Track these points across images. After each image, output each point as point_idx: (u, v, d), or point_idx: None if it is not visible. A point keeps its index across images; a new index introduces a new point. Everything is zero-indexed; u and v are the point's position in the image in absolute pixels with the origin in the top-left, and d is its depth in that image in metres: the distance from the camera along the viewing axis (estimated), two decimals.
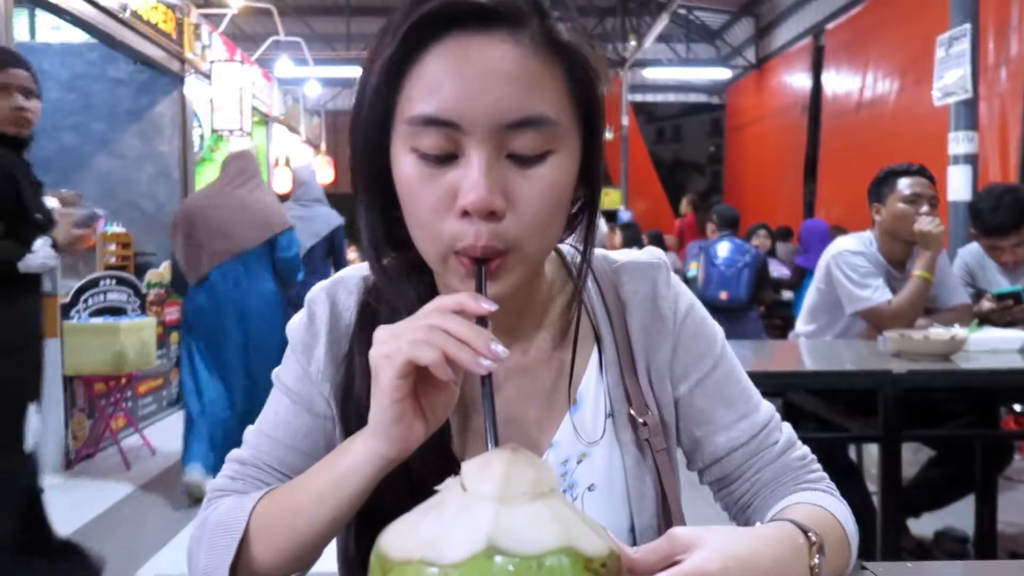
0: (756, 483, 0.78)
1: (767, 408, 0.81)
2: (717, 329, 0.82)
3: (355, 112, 0.66)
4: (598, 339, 0.78)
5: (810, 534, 0.63)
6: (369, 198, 0.69)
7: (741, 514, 0.81)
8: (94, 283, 4.45)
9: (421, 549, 0.45)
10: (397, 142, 0.64)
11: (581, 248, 0.73)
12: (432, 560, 0.44)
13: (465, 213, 0.61)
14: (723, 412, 0.78)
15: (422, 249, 0.66)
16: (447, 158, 0.61)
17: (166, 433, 4.91)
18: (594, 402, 0.77)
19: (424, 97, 0.60)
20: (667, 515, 0.76)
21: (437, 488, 0.50)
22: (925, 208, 2.49)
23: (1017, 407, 3.00)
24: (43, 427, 3.96)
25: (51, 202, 4.26)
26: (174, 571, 2.76)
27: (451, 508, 0.47)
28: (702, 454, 0.80)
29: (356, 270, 0.80)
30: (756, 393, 0.82)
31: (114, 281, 4.64)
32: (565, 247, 0.81)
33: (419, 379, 0.60)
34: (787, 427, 0.82)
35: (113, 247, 5.07)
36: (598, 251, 0.82)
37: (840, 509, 0.74)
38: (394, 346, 0.57)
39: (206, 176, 7.40)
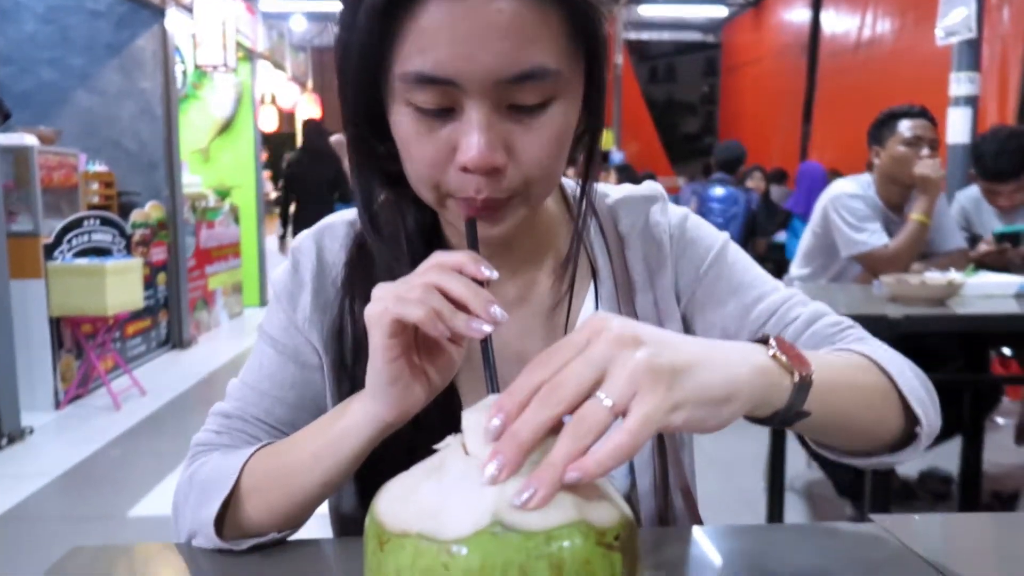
0: None
1: (786, 290, 0.77)
2: (717, 231, 0.80)
3: (342, 54, 0.62)
4: (595, 275, 0.76)
5: (767, 336, 0.54)
6: (359, 141, 0.66)
7: None
8: (78, 223, 4.37)
9: (420, 520, 0.42)
10: (391, 92, 0.61)
11: (581, 182, 0.70)
12: (432, 534, 0.41)
13: (466, 168, 0.59)
14: (735, 301, 0.75)
15: (420, 193, 0.64)
16: (445, 111, 0.59)
17: (156, 374, 4.91)
18: None
19: (418, 53, 0.57)
20: (662, 453, 0.74)
21: (436, 447, 0.47)
22: (925, 151, 2.44)
23: (1006, 350, 3.01)
24: (30, 368, 3.97)
25: (29, 139, 4.17)
26: (166, 512, 2.77)
27: (452, 474, 0.44)
28: None
29: (342, 216, 0.78)
30: (771, 279, 0.77)
31: (98, 221, 4.55)
32: (567, 181, 0.79)
33: (419, 340, 0.57)
34: (816, 303, 0.76)
35: (96, 186, 4.96)
36: (597, 186, 0.79)
37: (881, 353, 0.65)
38: (384, 304, 0.54)
39: (191, 115, 7.24)
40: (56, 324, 4.13)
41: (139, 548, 0.69)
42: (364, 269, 0.72)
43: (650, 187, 0.81)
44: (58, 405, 4.11)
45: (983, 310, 2.01)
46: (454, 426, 0.66)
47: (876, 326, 1.96)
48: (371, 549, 0.44)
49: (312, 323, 0.73)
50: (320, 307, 0.74)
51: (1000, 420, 3.60)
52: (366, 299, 0.67)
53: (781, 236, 5.66)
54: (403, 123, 0.60)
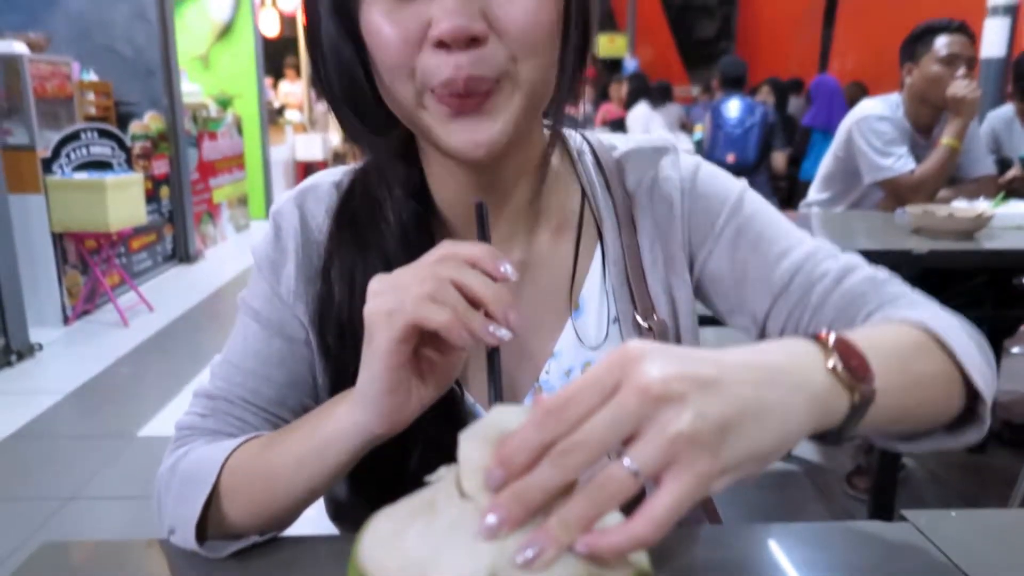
0: (820, 324, 0.64)
1: (812, 241, 0.68)
2: (732, 180, 0.72)
3: None
4: (601, 236, 0.70)
5: (826, 334, 0.47)
6: (346, 59, 0.58)
7: None
8: (75, 136, 4.25)
9: (407, 572, 0.36)
10: None
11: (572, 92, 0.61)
12: None
13: (441, 44, 0.52)
14: (756, 259, 0.67)
15: (396, 96, 0.57)
16: None
17: (163, 290, 4.90)
18: (598, 305, 0.69)
19: None
20: None
21: (428, 479, 0.42)
22: (962, 70, 2.29)
23: None
24: (35, 283, 3.95)
25: (19, 47, 4.00)
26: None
27: (444, 518, 0.38)
28: (750, 316, 0.68)
29: (325, 176, 0.70)
30: (795, 230, 0.69)
31: (96, 133, 4.43)
32: (572, 134, 0.72)
33: (421, 338, 0.50)
34: (848, 255, 0.67)
35: (92, 96, 4.81)
36: (603, 138, 0.73)
37: (935, 318, 0.57)
38: (396, 301, 0.47)
39: (188, 19, 6.96)
40: (59, 239, 4.09)
41: (109, 545, 0.65)
42: (353, 230, 0.65)
43: (661, 139, 0.73)
44: (66, 320, 4.12)
45: (1012, 244, 1.92)
46: (452, 421, 0.62)
47: (900, 260, 1.89)
48: None
49: (298, 296, 0.67)
50: (305, 279, 0.67)
51: (1015, 349, 3.56)
52: (350, 278, 0.61)
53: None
54: (373, 14, 0.55)
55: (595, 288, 0.69)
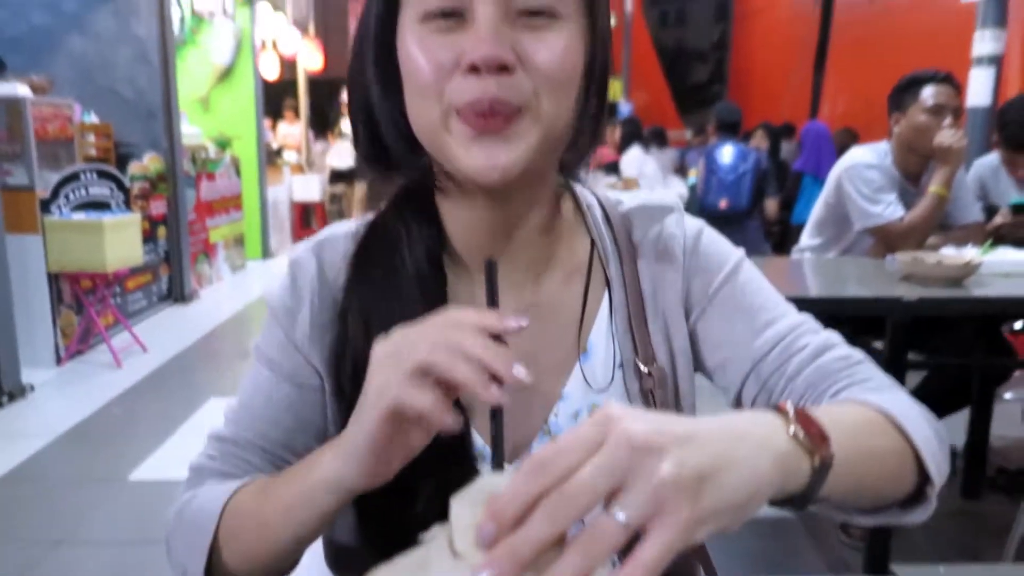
0: (791, 394, 0.69)
1: (798, 315, 0.73)
2: (732, 247, 0.77)
3: (364, 10, 0.64)
4: (608, 283, 0.73)
5: (785, 405, 0.51)
6: (383, 88, 0.65)
7: None
8: (74, 176, 4.29)
9: None
10: (403, 13, 0.62)
11: (588, 133, 0.67)
12: None
13: (472, 68, 0.57)
14: (743, 325, 0.71)
15: (422, 119, 0.62)
16: (454, 16, 0.59)
17: (157, 330, 4.89)
18: (604, 350, 0.72)
19: None
20: None
21: (422, 537, 0.42)
22: (948, 120, 2.35)
23: (1018, 324, 2.95)
24: (30, 324, 3.94)
25: (22, 89, 4.06)
26: (168, 475, 2.78)
27: None
28: (731, 377, 0.72)
29: (341, 226, 0.74)
30: (784, 303, 0.73)
31: (95, 175, 4.47)
32: (583, 191, 0.77)
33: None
34: (829, 332, 0.72)
35: (92, 138, 4.86)
36: (610, 195, 0.78)
37: (896, 405, 0.61)
38: (385, 379, 0.50)
39: (189, 62, 7.07)
40: (54, 279, 4.10)
41: None
42: (366, 281, 0.69)
43: (666, 198, 0.78)
44: (59, 361, 4.10)
45: (1001, 292, 1.94)
46: (460, 463, 0.64)
47: (890, 307, 1.92)
48: None
49: (312, 341, 0.69)
50: (321, 325, 0.69)
51: (1008, 395, 3.57)
52: (366, 319, 0.65)
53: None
54: (410, 39, 0.60)
55: (602, 333, 0.72)
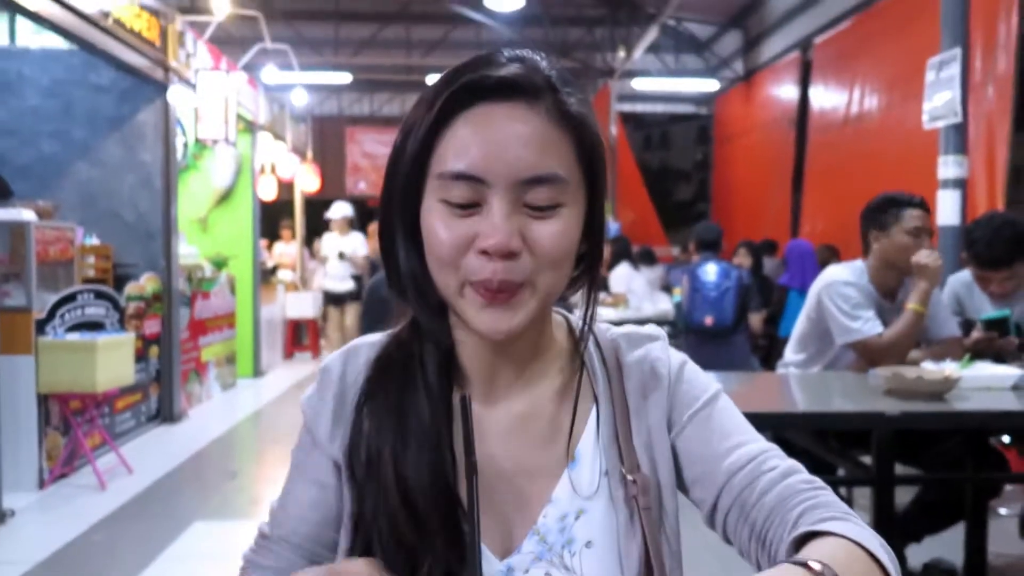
0: (762, 507, 0.75)
1: (766, 443, 0.81)
2: (712, 380, 0.85)
3: (391, 170, 0.74)
4: (596, 399, 0.81)
5: (811, 563, 0.59)
6: (406, 242, 0.75)
7: (761, 550, 0.77)
8: (71, 298, 4.36)
9: None
10: (428, 194, 0.71)
11: (585, 300, 0.78)
12: None
13: (484, 252, 0.67)
14: (718, 442, 0.79)
15: (441, 281, 0.72)
16: (471, 206, 0.69)
17: (144, 450, 4.82)
18: (591, 459, 0.79)
19: (455, 156, 0.69)
20: (649, 573, 0.76)
21: None
22: (925, 241, 2.49)
23: (1006, 438, 2.97)
24: (15, 446, 3.89)
25: (27, 214, 4.19)
26: None
27: None
28: (707, 489, 0.79)
29: (368, 338, 0.84)
30: (754, 432, 0.82)
31: (92, 295, 4.54)
32: (573, 317, 0.86)
33: None
34: (792, 461, 0.80)
35: (92, 259, 4.97)
36: (600, 324, 0.87)
37: (867, 536, 0.68)
38: None
39: (191, 185, 7.31)
40: (43, 400, 4.08)
41: None
42: (384, 381, 0.78)
43: (652, 328, 0.87)
44: (42, 484, 4.02)
45: (981, 406, 1.99)
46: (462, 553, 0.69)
47: (874, 421, 1.95)
48: None
49: (332, 437, 0.79)
50: (340, 419, 0.79)
51: (1003, 511, 3.53)
52: (380, 413, 0.76)
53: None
54: (434, 215, 0.70)
55: (589, 444, 0.79)
